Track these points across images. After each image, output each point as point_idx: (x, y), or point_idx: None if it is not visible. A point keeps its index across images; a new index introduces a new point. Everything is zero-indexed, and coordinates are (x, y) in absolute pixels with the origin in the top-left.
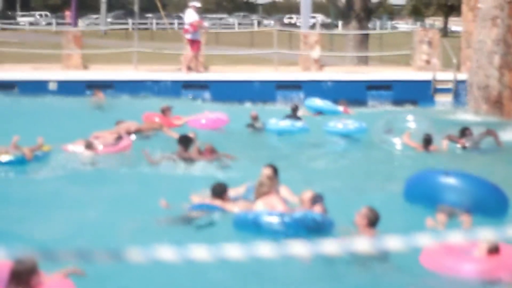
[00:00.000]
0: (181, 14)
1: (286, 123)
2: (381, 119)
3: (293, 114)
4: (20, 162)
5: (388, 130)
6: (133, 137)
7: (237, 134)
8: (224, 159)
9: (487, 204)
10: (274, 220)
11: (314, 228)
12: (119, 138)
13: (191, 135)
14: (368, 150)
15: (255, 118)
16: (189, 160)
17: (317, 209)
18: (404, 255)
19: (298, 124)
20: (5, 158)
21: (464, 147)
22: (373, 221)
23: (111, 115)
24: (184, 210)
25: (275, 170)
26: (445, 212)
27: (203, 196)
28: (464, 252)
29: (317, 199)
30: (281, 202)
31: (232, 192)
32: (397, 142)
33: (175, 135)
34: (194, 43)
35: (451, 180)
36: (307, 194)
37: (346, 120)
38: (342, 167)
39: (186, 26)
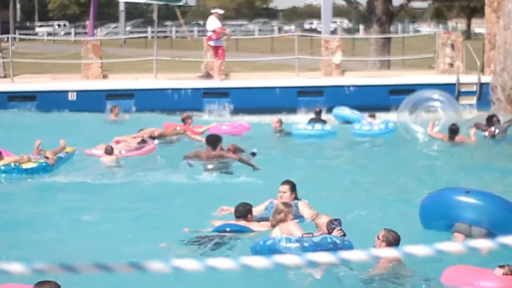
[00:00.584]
0: (200, 22)
1: (315, 127)
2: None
3: (318, 117)
4: (43, 169)
5: (411, 111)
6: (156, 141)
7: (262, 139)
8: (249, 156)
9: (508, 223)
10: (292, 246)
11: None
12: (142, 141)
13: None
14: (395, 151)
15: (279, 123)
16: (215, 160)
17: (336, 234)
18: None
19: (327, 127)
20: (29, 165)
21: (493, 136)
22: (392, 243)
23: (130, 129)
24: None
25: (293, 186)
26: (463, 231)
27: (225, 220)
28: (484, 272)
29: (333, 224)
30: (298, 228)
31: (254, 210)
32: (420, 130)
33: (200, 138)
34: (218, 49)
35: (472, 199)
36: (323, 219)
37: (373, 120)
38: (369, 170)
39: (209, 33)
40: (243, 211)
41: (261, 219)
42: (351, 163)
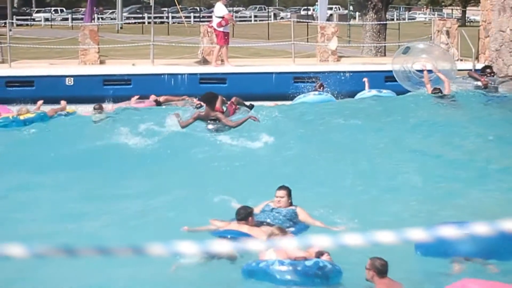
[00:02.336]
0: (196, 8)
1: (310, 95)
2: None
3: (317, 90)
4: (41, 119)
5: (405, 51)
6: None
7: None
8: (246, 111)
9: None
10: (284, 269)
11: (323, 276)
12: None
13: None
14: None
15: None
16: (215, 121)
17: (325, 258)
18: None
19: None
20: (27, 116)
21: (485, 86)
22: (381, 270)
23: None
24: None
25: (289, 191)
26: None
27: (225, 222)
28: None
29: (322, 253)
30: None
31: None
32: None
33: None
34: (226, 35)
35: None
36: (313, 250)
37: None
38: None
39: (216, 20)
40: (245, 214)
41: (260, 224)
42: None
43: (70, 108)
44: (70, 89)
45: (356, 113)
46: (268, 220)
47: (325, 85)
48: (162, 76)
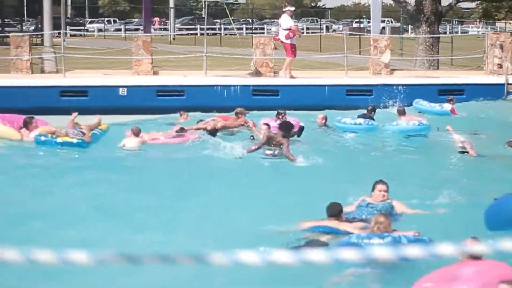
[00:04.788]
0: (248, 19)
1: (357, 121)
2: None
3: (367, 114)
4: (79, 145)
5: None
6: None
7: (308, 135)
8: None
9: None
10: (376, 242)
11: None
12: (181, 130)
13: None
14: (431, 150)
15: (324, 119)
16: (276, 148)
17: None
18: None
19: (370, 122)
20: (65, 139)
21: None
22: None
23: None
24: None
25: (387, 185)
26: None
27: (315, 220)
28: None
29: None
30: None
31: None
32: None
33: (260, 133)
34: (293, 47)
35: None
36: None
37: (412, 117)
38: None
39: (283, 32)
40: (335, 211)
41: (353, 219)
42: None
43: (104, 124)
44: (123, 99)
45: None
46: (363, 216)
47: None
48: (215, 87)
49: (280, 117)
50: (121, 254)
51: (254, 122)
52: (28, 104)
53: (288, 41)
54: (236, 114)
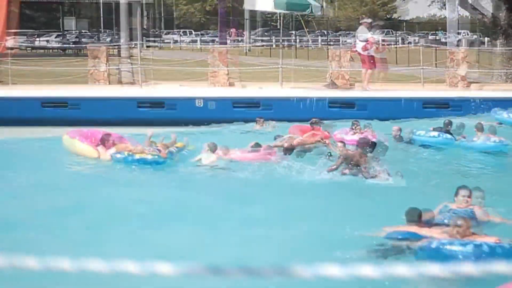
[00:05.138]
0: (324, 31)
1: (431, 134)
2: None
3: (444, 128)
4: (156, 162)
5: None
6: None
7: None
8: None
9: None
10: (461, 248)
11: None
12: (256, 145)
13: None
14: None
15: (399, 131)
16: (355, 167)
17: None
18: None
19: (446, 136)
20: (142, 156)
21: None
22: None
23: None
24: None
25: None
26: None
27: (396, 226)
28: None
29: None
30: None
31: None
32: None
33: (335, 149)
34: (371, 58)
35: None
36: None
37: (490, 135)
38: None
39: (360, 44)
40: (414, 216)
41: (434, 224)
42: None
43: (180, 142)
44: (199, 110)
45: None
46: (446, 221)
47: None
48: (291, 99)
49: (354, 127)
50: (207, 266)
51: (329, 134)
52: (106, 115)
53: (366, 53)
54: (311, 124)
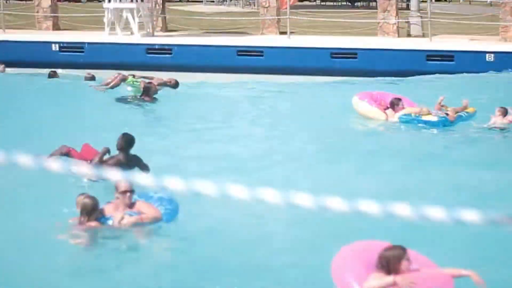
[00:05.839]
0: None
1: None
2: None
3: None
4: (442, 123)
5: None
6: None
7: None
8: None
9: None
10: None
11: None
12: None
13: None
14: None
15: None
16: None
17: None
18: None
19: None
20: (429, 118)
21: None
22: None
23: None
24: None
25: None
26: None
27: None
28: None
29: None
30: None
31: None
32: None
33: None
34: None
35: None
36: None
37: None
38: None
39: None
40: None
41: None
42: None
43: (471, 108)
44: (490, 65)
45: None
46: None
47: None
48: None
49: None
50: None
51: None
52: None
53: None
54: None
